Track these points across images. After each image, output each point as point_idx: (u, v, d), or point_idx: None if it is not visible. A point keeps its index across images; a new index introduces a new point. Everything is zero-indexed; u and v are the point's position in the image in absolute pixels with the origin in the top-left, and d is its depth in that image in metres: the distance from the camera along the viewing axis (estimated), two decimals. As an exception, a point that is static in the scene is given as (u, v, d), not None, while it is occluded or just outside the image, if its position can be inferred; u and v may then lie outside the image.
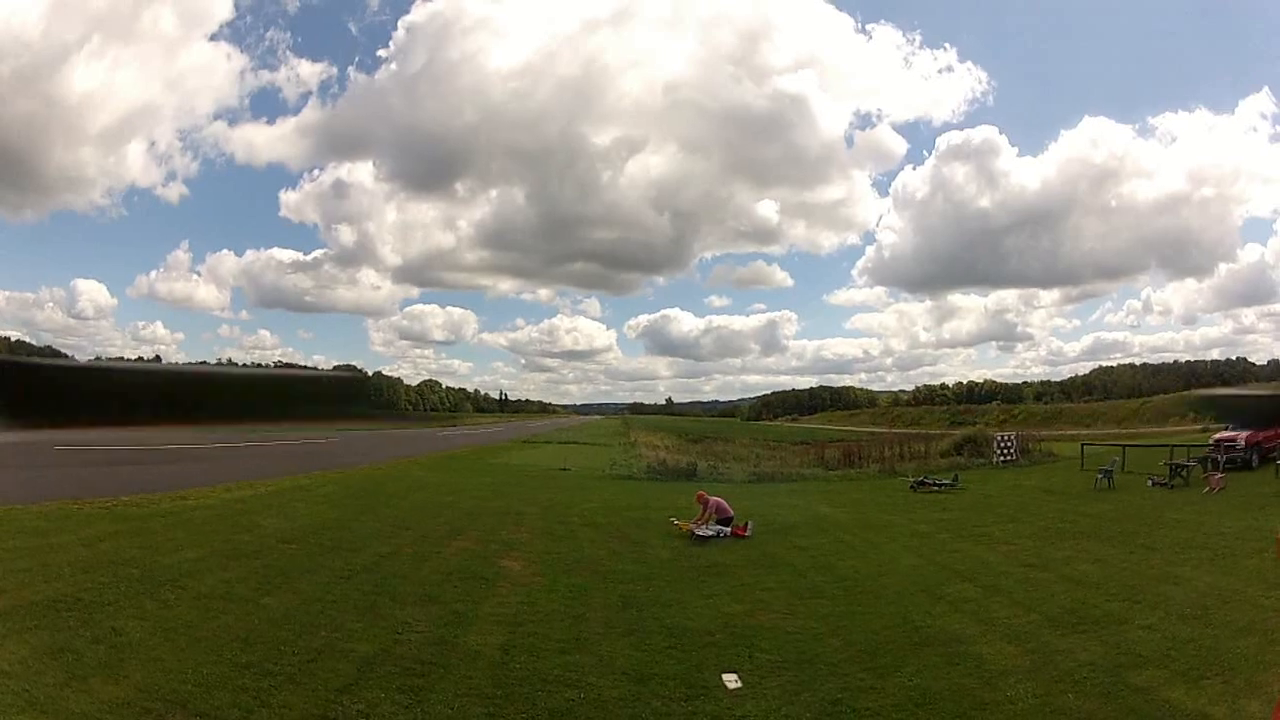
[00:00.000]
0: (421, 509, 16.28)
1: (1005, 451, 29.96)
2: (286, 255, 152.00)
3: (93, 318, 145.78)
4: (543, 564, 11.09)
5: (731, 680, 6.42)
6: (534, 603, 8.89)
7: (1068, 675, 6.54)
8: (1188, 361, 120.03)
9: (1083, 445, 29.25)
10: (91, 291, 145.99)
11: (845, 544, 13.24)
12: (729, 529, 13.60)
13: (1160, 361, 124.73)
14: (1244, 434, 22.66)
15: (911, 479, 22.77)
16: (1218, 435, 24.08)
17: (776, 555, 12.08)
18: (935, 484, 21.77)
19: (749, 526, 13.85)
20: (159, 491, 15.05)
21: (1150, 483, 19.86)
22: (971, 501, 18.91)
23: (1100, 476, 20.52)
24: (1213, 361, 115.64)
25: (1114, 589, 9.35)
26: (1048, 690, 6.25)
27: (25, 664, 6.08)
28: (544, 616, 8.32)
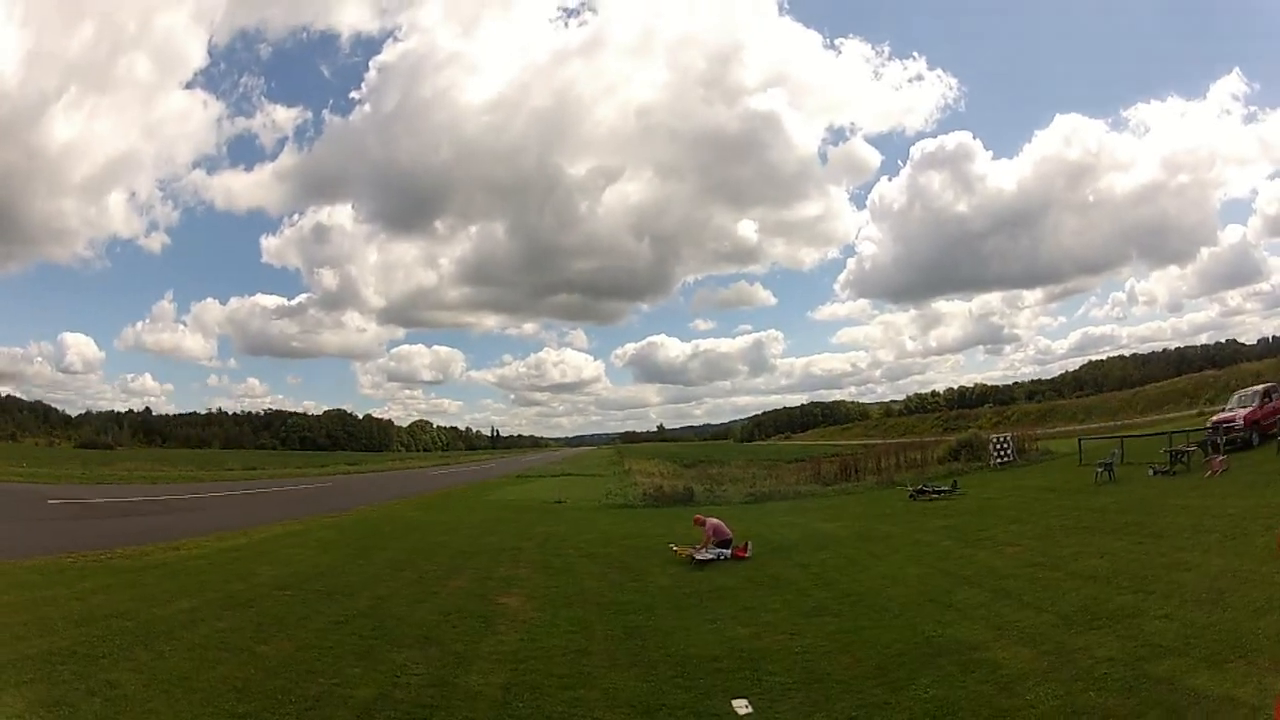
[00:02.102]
0: (417, 550, 15.96)
1: (1002, 453, 29.97)
2: (271, 301, 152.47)
3: (81, 371, 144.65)
4: (542, 599, 10.82)
5: (742, 706, 6.18)
6: (534, 639, 8.62)
7: (1087, 673, 6.38)
8: (1177, 348, 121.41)
9: (1079, 440, 29.33)
10: (79, 345, 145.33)
11: (847, 559, 13.05)
12: (729, 551, 13.39)
13: (1150, 350, 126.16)
14: (1242, 413, 22.71)
15: (910, 488, 22.65)
16: (1215, 417, 24.10)
17: (778, 575, 11.87)
18: (934, 491, 21.66)
19: (749, 547, 13.65)
20: (152, 543, 14.87)
21: (1151, 472, 19.77)
22: (972, 506, 18.78)
23: (1100, 470, 20.46)
24: (1203, 346, 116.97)
25: (1125, 582, 9.22)
26: (1068, 690, 6.07)
27: (22, 717, 5.94)
28: (545, 653, 8.05)
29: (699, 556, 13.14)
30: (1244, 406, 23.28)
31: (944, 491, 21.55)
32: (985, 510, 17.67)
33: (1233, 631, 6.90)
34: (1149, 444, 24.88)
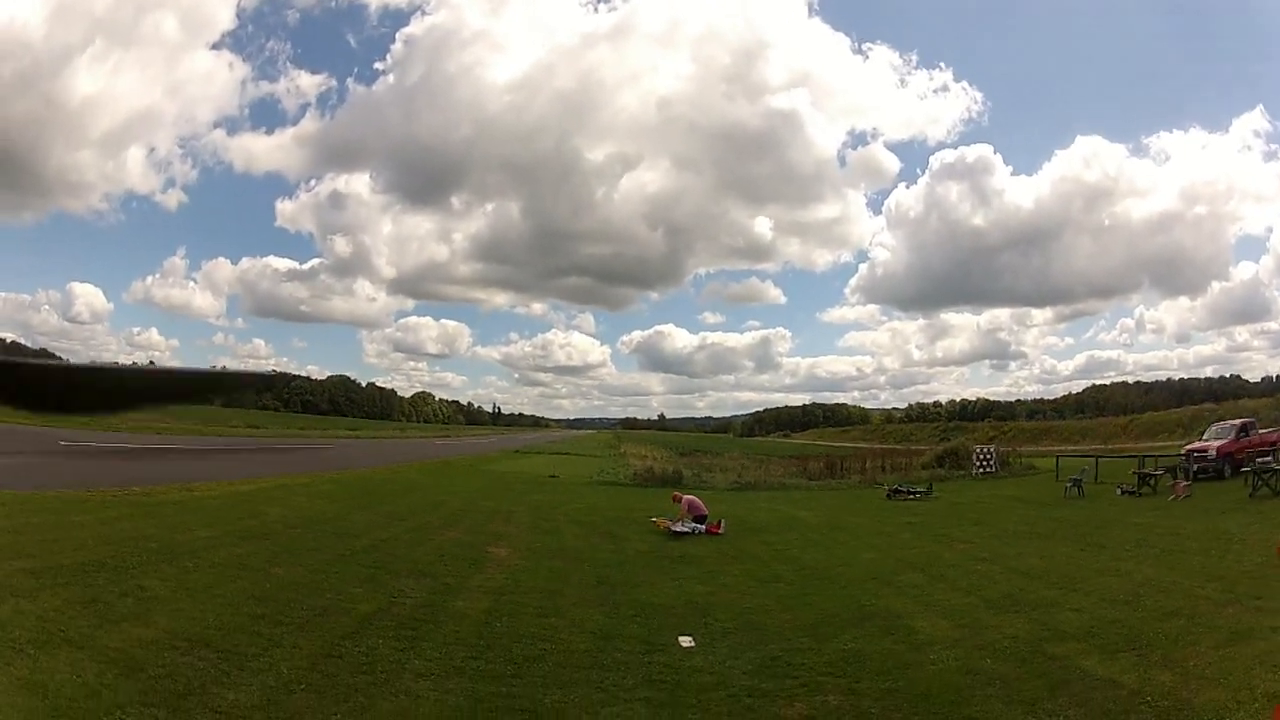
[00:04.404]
0: (416, 506, 17.09)
1: (985, 464, 30.83)
2: (282, 264, 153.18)
3: (88, 321, 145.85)
4: (526, 551, 11.94)
5: (686, 641, 7.23)
6: (517, 580, 9.73)
7: (990, 645, 7.23)
8: (1181, 379, 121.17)
9: (1058, 458, 30.18)
10: (88, 295, 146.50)
11: (811, 541, 14.10)
12: (703, 526, 14.42)
13: (1154, 379, 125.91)
14: (1216, 444, 23.53)
15: (888, 488, 23.64)
16: (1189, 446, 24.98)
17: (745, 549, 12.92)
18: (910, 492, 22.64)
19: (722, 524, 14.68)
20: (166, 483, 15.76)
21: (1119, 491, 20.68)
22: (941, 508, 19.77)
23: (1070, 485, 21.40)
24: (1206, 379, 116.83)
25: (1054, 579, 10.10)
26: (969, 655, 6.96)
27: (60, 611, 6.70)
28: (524, 590, 9.16)
29: (675, 529, 14.19)
30: (1219, 438, 24.07)
31: (919, 493, 22.54)
32: (952, 512, 18.67)
33: (1135, 629, 7.59)
34: (1126, 466, 25.76)
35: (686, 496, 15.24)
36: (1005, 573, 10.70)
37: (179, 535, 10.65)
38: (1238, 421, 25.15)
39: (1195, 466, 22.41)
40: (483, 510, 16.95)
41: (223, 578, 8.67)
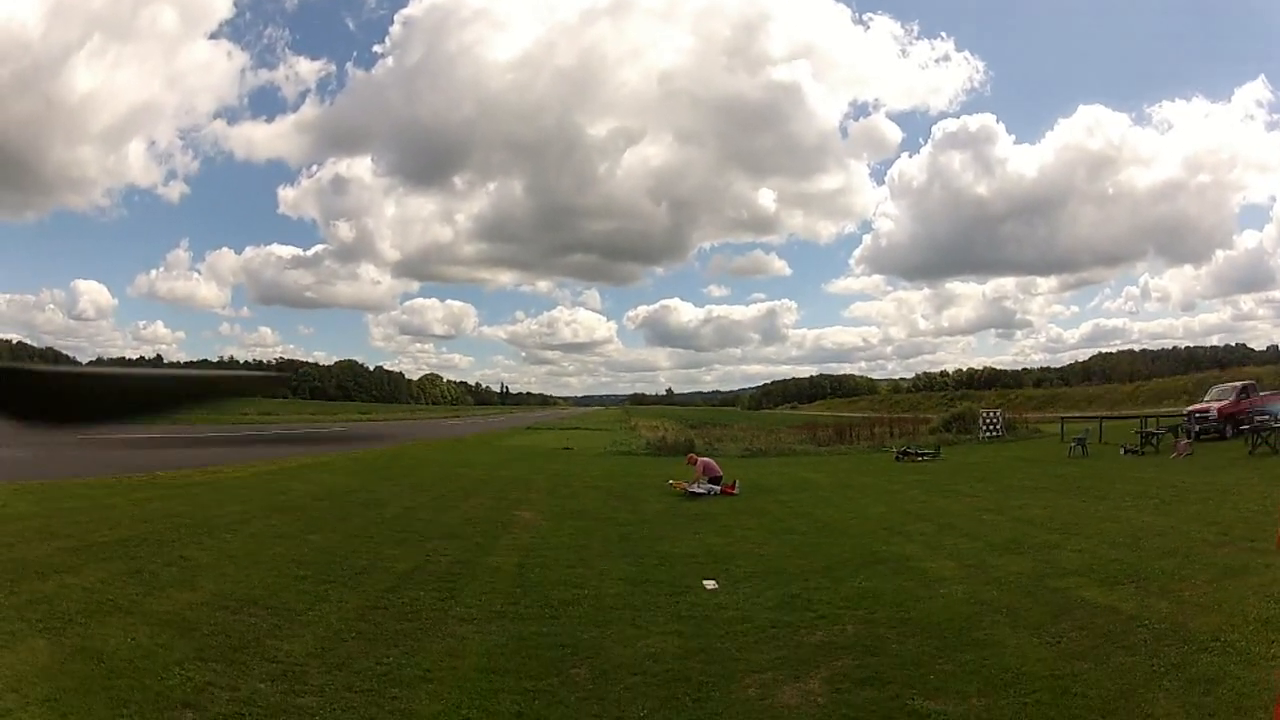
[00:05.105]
0: (436, 478, 17.64)
1: (991, 428, 31.19)
2: (286, 251, 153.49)
3: (93, 318, 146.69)
4: (549, 514, 12.42)
5: (710, 584, 7.66)
6: (544, 538, 10.21)
7: (996, 580, 7.67)
8: (1187, 347, 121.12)
9: (1062, 420, 30.58)
10: (92, 292, 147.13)
11: (823, 499, 14.57)
12: (718, 487, 14.86)
13: (1160, 348, 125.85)
14: (1217, 405, 23.95)
15: (896, 450, 24.08)
16: (1191, 406, 25.50)
17: (759, 507, 13.36)
18: (918, 454, 23.07)
19: (736, 485, 15.12)
20: (190, 468, 16.37)
21: (1123, 451, 21.16)
22: (948, 468, 20.21)
23: (1074, 445, 21.82)
24: (1212, 347, 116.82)
25: (1055, 526, 10.53)
26: (976, 589, 7.39)
27: (105, 583, 6.95)
28: (552, 547, 9.63)
29: (692, 489, 14.64)
30: (1220, 400, 24.51)
31: (927, 455, 22.98)
32: (959, 471, 19.10)
33: (1134, 565, 8.01)
34: (1129, 427, 26.16)
35: (701, 459, 15.69)
36: (1010, 521, 11.12)
37: (212, 511, 11.13)
38: (1239, 384, 25.64)
39: (1197, 427, 22.91)
40: (502, 480, 17.46)
41: (261, 545, 9.13)
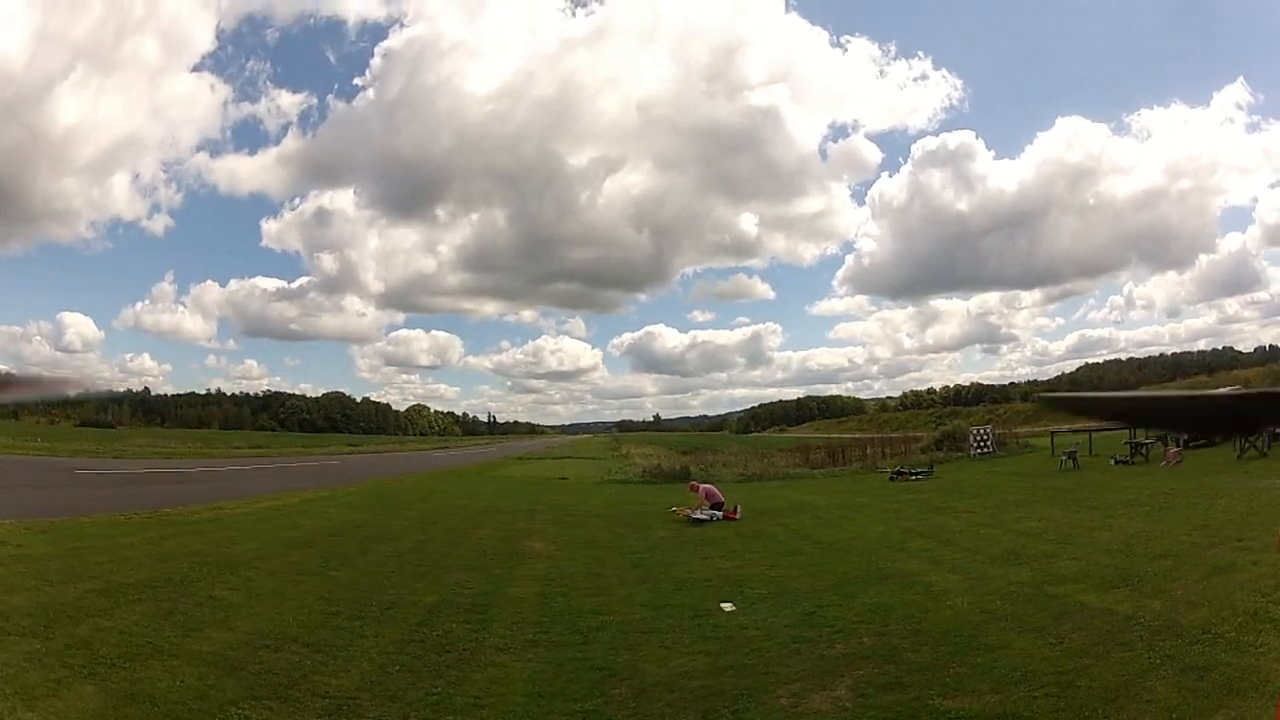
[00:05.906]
0: (441, 510, 17.85)
1: (981, 444, 31.71)
2: (270, 284, 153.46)
3: (80, 350, 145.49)
4: (560, 544, 12.71)
5: (728, 606, 8.01)
6: (559, 568, 10.49)
7: (999, 591, 8.06)
8: (1174, 354, 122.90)
9: (1052, 434, 31.11)
10: (78, 324, 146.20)
11: (823, 520, 14.95)
12: (720, 513, 15.21)
13: (1146, 355, 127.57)
14: None
15: (890, 470, 24.53)
16: None
17: (762, 530, 13.71)
18: (912, 473, 23.53)
19: (738, 510, 15.47)
20: (195, 504, 16.28)
21: (1113, 461, 21.64)
22: (943, 486, 20.67)
23: (1065, 458, 22.34)
24: (1199, 352, 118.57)
25: (1051, 536, 10.98)
26: (981, 600, 7.78)
27: (140, 625, 6.99)
28: (569, 576, 9.92)
29: (695, 515, 14.97)
30: None
31: (921, 473, 23.46)
32: (953, 488, 19.58)
33: (1127, 570, 8.43)
34: (1118, 438, 26.69)
35: (703, 485, 16.06)
36: (1006, 534, 11.54)
37: (228, 549, 11.22)
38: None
39: (1185, 435, 23.35)
40: (505, 511, 17.69)
41: (286, 583, 9.28)
